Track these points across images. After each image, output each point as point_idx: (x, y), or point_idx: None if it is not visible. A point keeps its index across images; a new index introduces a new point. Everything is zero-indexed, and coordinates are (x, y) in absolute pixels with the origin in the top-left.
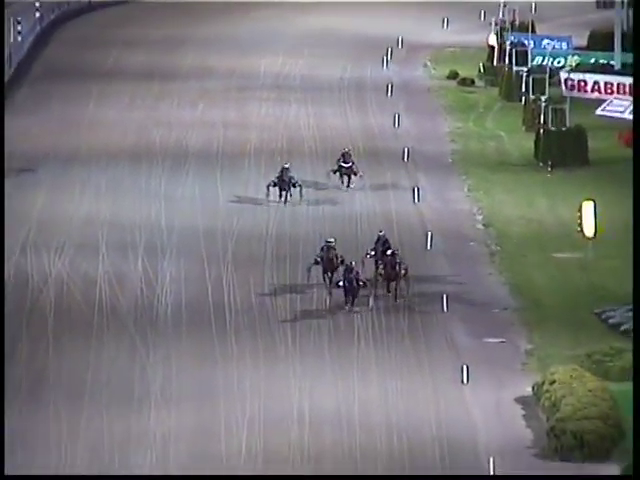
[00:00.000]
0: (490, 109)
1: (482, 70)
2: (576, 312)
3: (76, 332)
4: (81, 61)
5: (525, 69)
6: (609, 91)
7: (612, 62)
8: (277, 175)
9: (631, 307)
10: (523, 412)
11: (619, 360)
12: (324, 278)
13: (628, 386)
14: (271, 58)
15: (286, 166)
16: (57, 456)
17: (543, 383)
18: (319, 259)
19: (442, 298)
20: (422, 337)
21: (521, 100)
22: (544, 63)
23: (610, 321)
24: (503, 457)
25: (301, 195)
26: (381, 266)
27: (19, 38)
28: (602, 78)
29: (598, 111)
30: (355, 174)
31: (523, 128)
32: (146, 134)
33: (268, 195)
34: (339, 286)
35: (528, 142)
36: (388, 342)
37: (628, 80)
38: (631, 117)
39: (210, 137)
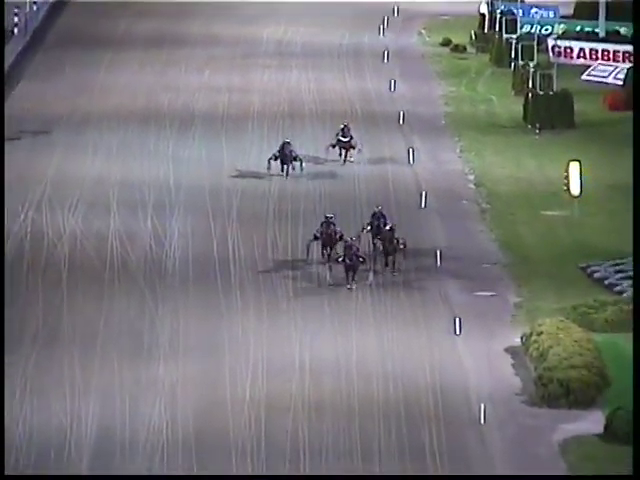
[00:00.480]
0: (481, 74)
1: (474, 38)
2: (562, 267)
3: (89, 285)
4: (93, 30)
5: (514, 37)
6: (594, 57)
7: (597, 30)
8: (278, 149)
9: (615, 262)
10: (512, 361)
11: (603, 312)
12: (323, 254)
13: (611, 337)
14: (273, 27)
15: (287, 140)
16: (71, 402)
17: (531, 334)
18: (318, 235)
19: (436, 254)
20: (417, 291)
21: (510, 66)
22: (532, 31)
23: (595, 275)
24: (493, 404)
25: (302, 168)
26: (380, 241)
27: (34, 7)
28: (587, 45)
29: (583, 76)
30: (353, 148)
31: (512, 92)
32: (155, 98)
33: (269, 169)
34: (339, 262)
35: (517, 106)
36: (384, 296)
37: (612, 47)
38: (615, 82)
39: (215, 101)
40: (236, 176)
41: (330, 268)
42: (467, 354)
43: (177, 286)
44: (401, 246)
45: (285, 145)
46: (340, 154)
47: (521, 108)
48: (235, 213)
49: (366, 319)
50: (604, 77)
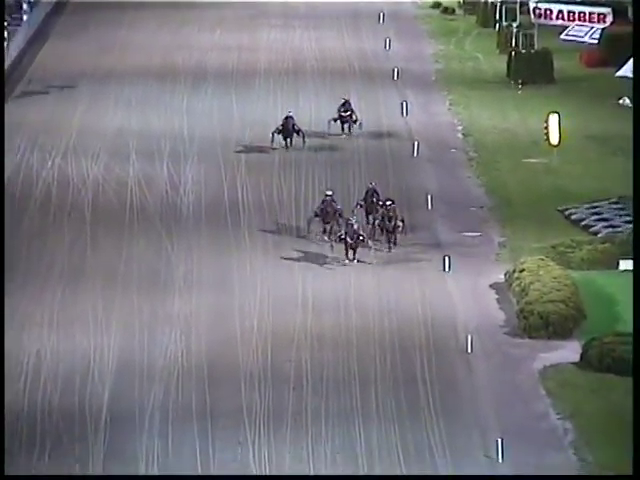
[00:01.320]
0: (468, 34)
1: (462, 0)
2: (542, 210)
3: (110, 227)
4: None
5: (499, 0)
6: (571, 18)
7: None
8: (281, 123)
9: (591, 205)
10: (496, 296)
11: (579, 251)
12: (324, 230)
13: (587, 274)
14: None
15: (290, 114)
16: (94, 333)
17: (514, 271)
18: (318, 212)
19: (427, 198)
20: (409, 232)
21: (495, 27)
22: None
23: (572, 217)
24: (479, 335)
25: (304, 142)
26: (378, 219)
27: None
28: (565, 7)
29: (562, 36)
30: (355, 122)
31: (497, 51)
32: (171, 56)
33: (272, 142)
34: (341, 239)
35: (501, 63)
36: (380, 238)
37: (588, 9)
38: (590, 41)
39: (226, 59)
40: (244, 127)
41: (332, 246)
42: (455, 290)
43: (191, 227)
44: (400, 223)
45: (288, 119)
46: (342, 128)
47: (505, 65)
48: (244, 161)
49: (363, 258)
50: (581, 37)
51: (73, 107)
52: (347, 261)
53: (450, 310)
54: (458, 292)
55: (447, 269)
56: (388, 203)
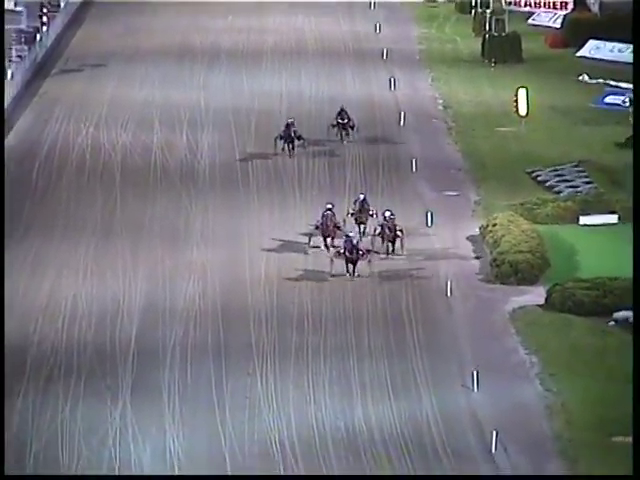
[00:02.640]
0: (448, 19)
1: None
2: (512, 172)
3: (136, 187)
4: None
5: None
6: (537, 6)
7: None
8: (283, 129)
9: (554, 169)
10: (472, 247)
11: (544, 208)
12: (325, 243)
13: (551, 228)
14: None
15: (290, 121)
16: (123, 280)
17: (487, 226)
18: (319, 225)
19: (412, 161)
20: (397, 191)
21: (471, 12)
22: None
23: (538, 178)
24: (457, 281)
25: (304, 146)
26: (379, 228)
27: None
28: None
29: (529, 21)
30: (352, 128)
31: (473, 34)
32: (188, 38)
33: (275, 147)
34: (340, 254)
35: (476, 44)
36: (374, 198)
37: None
38: (554, 25)
39: (237, 40)
40: (253, 98)
41: (331, 260)
42: (437, 241)
43: (206, 188)
44: (399, 232)
45: (289, 125)
46: (340, 135)
47: (480, 46)
48: (253, 128)
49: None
50: (545, 22)
51: (104, 83)
52: (348, 275)
53: (432, 259)
54: (439, 244)
55: (429, 223)
56: (387, 214)
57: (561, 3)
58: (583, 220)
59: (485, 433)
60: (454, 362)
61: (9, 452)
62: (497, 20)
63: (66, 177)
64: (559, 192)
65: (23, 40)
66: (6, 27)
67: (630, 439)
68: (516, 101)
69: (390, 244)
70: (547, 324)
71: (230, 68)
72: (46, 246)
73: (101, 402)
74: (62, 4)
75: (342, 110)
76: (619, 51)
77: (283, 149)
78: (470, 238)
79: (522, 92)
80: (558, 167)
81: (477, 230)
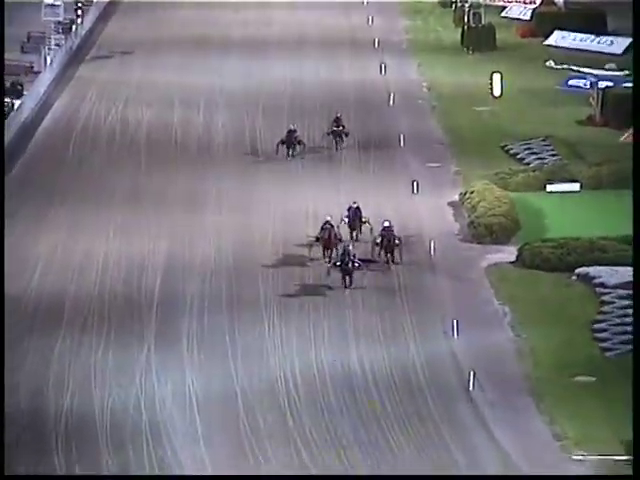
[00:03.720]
0: (432, 13)
1: None
2: (487, 146)
3: (159, 159)
4: None
5: None
6: (509, 0)
7: None
8: (285, 135)
9: (524, 142)
10: (453, 212)
11: (515, 177)
12: (324, 255)
13: (522, 195)
14: None
15: (292, 128)
16: (147, 240)
17: (465, 193)
18: (319, 237)
19: (399, 137)
20: (386, 162)
21: (452, 6)
22: None
23: (510, 152)
24: (440, 241)
25: (304, 151)
26: (379, 238)
27: None
28: None
29: (503, 14)
30: (346, 135)
31: (453, 25)
32: (205, 30)
33: (277, 152)
34: (336, 266)
35: (456, 35)
36: (365, 168)
37: None
38: (524, 17)
39: (247, 32)
40: (262, 82)
41: (328, 272)
42: (422, 207)
43: (220, 160)
44: (397, 241)
45: (290, 132)
46: (335, 142)
47: (459, 36)
48: (261, 109)
49: (351, 184)
50: (517, 14)
51: (131, 68)
52: (346, 289)
53: (418, 223)
54: (424, 208)
55: (415, 191)
56: (386, 224)
57: None
58: (549, 188)
59: (464, 373)
60: (437, 312)
61: (49, 390)
62: (474, 13)
63: (98, 149)
64: (528, 163)
65: (61, 30)
66: (46, 19)
67: (591, 379)
68: (491, 84)
69: (389, 254)
70: (517, 279)
71: (240, 55)
72: (81, 210)
73: (129, 346)
74: (94, 0)
75: (338, 117)
76: (581, 40)
77: (287, 155)
78: (450, 204)
79: (496, 76)
80: (527, 141)
81: (456, 197)
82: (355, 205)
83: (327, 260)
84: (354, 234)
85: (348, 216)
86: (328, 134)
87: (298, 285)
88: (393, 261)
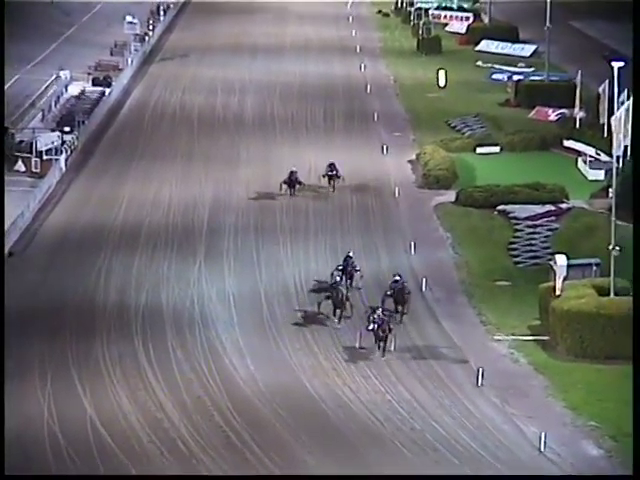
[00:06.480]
0: (397, 27)
1: (393, 9)
2: (436, 122)
3: (207, 130)
4: (214, 4)
5: (413, 9)
6: (451, 18)
7: (451, 5)
8: (287, 176)
9: (462, 119)
10: (411, 167)
11: (455, 143)
12: (334, 313)
13: (460, 155)
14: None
15: (293, 169)
16: (199, 186)
17: (420, 154)
18: (329, 295)
19: (373, 114)
20: (365, 132)
21: (410, 23)
22: (421, 6)
23: (451, 125)
24: (402, 187)
25: (303, 188)
26: (390, 291)
27: None
28: (448, 12)
29: (446, 28)
30: (338, 177)
31: (411, 36)
32: (239, 39)
33: (280, 190)
34: (368, 330)
35: (414, 43)
36: (349, 136)
37: (460, 14)
38: (461, 30)
39: (268, 40)
40: (279, 75)
41: (360, 334)
42: (390, 164)
43: (249, 130)
44: (407, 294)
45: (292, 173)
46: (330, 183)
47: (416, 44)
48: (278, 93)
49: (339, 145)
50: (456, 29)
51: (187, 67)
52: (382, 357)
53: (386, 176)
54: (391, 165)
55: (385, 152)
56: (397, 278)
57: (466, 17)
58: (478, 150)
59: (418, 279)
60: (400, 236)
61: (131, 290)
62: (427, 28)
63: (164, 123)
64: (464, 133)
65: (137, 40)
66: (127, 32)
67: (507, 283)
68: (437, 77)
69: (399, 306)
70: (456, 213)
71: (264, 57)
72: (153, 164)
73: (186, 261)
74: (161, 17)
75: (331, 164)
76: (502, 48)
77: (290, 194)
78: (410, 161)
79: (442, 72)
80: (463, 118)
81: (414, 156)
82: (351, 253)
83: (337, 318)
84: (348, 282)
85: (344, 267)
86: (324, 176)
87: (306, 217)
88: (405, 313)
